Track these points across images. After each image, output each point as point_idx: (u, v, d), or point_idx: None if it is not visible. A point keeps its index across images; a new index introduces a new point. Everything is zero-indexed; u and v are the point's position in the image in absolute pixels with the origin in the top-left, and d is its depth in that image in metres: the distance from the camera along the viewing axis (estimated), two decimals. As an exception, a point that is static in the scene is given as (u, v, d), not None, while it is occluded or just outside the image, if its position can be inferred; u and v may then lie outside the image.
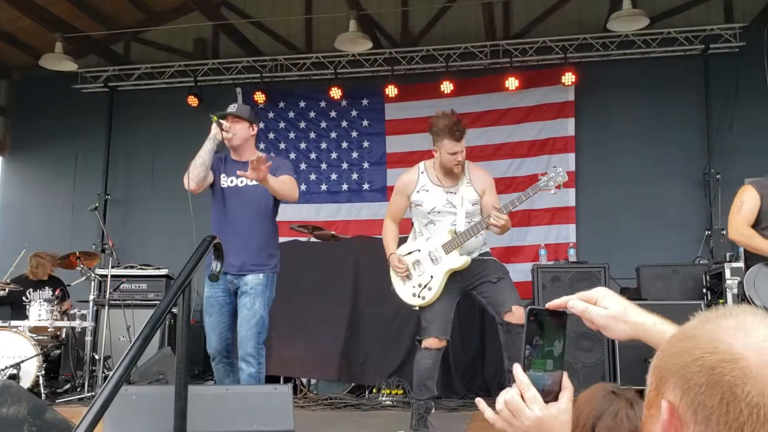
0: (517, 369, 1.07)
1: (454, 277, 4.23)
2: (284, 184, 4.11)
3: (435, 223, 4.26)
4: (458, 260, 4.17)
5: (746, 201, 4.12)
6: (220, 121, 4.13)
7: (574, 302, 1.22)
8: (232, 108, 4.26)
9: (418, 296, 4.21)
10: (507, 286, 4.24)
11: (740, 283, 4.20)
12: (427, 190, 4.26)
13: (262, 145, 9.26)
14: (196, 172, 4.03)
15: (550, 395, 1.07)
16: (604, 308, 1.21)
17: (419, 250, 4.27)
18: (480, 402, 1.16)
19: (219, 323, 4.13)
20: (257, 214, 4.17)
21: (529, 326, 1.09)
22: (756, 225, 4.10)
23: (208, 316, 4.16)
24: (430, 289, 4.18)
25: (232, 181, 4.21)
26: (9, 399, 2.42)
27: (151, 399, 2.44)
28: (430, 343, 4.20)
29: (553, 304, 1.17)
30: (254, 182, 4.05)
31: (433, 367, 4.27)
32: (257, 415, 2.46)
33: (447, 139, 4.10)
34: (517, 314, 4.06)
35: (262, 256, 4.15)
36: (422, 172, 4.33)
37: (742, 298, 4.11)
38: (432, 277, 4.18)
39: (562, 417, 1.06)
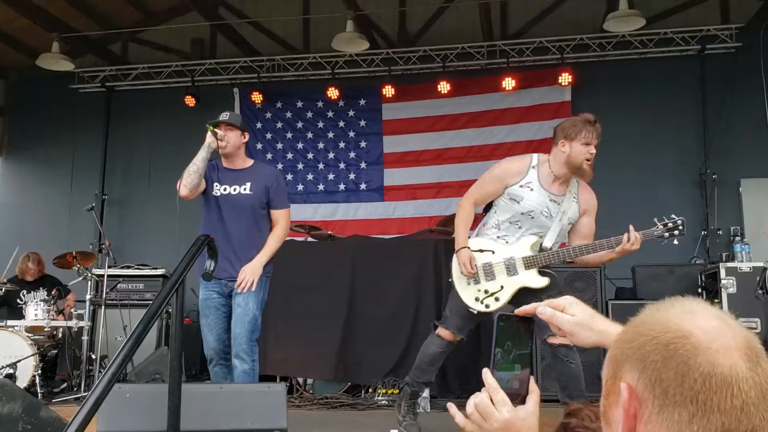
0: (486, 373, 1.11)
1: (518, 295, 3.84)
2: (277, 242, 4.24)
3: (521, 226, 3.82)
4: (537, 280, 3.78)
5: None
6: (215, 130, 4.19)
7: (543, 308, 1.28)
8: (224, 116, 4.29)
9: (482, 302, 3.84)
10: None
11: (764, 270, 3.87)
12: (532, 189, 3.78)
13: (259, 145, 9.29)
14: (190, 179, 4.10)
15: (517, 398, 1.10)
16: (571, 315, 1.28)
17: (493, 252, 3.84)
18: (451, 406, 1.20)
19: (216, 324, 4.18)
20: (250, 221, 4.23)
21: (498, 331, 1.12)
22: None
23: (205, 318, 4.20)
24: (497, 299, 3.81)
25: (225, 189, 4.26)
26: (4, 397, 2.43)
27: (145, 397, 2.45)
28: (444, 333, 4.01)
29: (522, 310, 1.21)
30: (247, 190, 4.21)
31: (440, 356, 4.10)
32: (251, 414, 2.47)
33: (585, 130, 3.68)
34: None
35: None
36: (533, 167, 3.83)
37: (761, 286, 3.81)
38: (502, 287, 3.80)
39: (529, 419, 1.11)
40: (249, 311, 4.09)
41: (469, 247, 3.86)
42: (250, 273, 4.06)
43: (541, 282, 3.79)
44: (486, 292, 3.83)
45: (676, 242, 3.67)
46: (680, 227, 3.64)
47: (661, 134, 8.35)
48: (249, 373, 4.02)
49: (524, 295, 3.79)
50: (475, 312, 3.90)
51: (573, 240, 3.91)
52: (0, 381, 2.46)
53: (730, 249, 7.33)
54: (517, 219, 3.82)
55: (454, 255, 3.92)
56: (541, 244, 3.81)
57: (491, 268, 3.82)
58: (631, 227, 3.61)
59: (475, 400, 1.11)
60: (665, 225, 3.67)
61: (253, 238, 4.23)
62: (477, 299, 3.85)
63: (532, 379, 1.13)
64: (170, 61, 9.48)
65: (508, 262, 3.80)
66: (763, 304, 3.85)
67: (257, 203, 4.24)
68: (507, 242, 3.84)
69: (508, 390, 1.10)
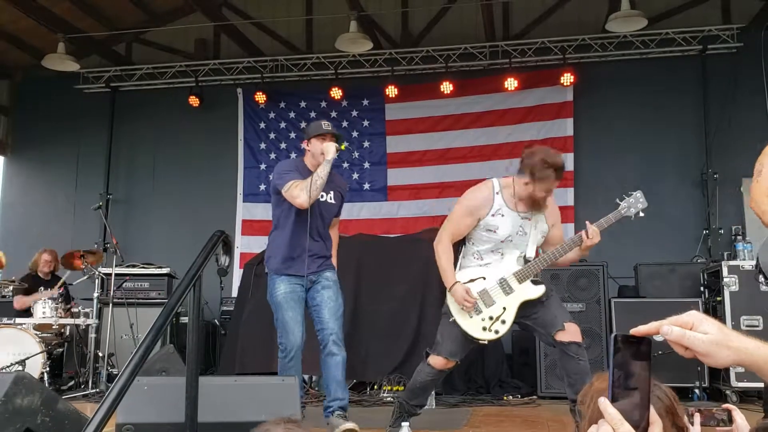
0: (606, 403, 1.00)
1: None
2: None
3: (503, 252, 3.89)
4: (535, 290, 3.85)
5: (765, 165, 3.57)
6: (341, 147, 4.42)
7: (669, 327, 1.11)
8: (332, 127, 4.49)
9: (490, 330, 3.84)
10: (556, 303, 3.92)
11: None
12: (503, 215, 3.86)
13: (262, 145, 9.38)
14: (318, 193, 4.26)
15: (637, 430, 0.99)
16: (704, 333, 1.11)
17: (484, 278, 3.87)
18: None
19: (301, 318, 4.31)
20: (328, 225, 4.55)
21: (615, 355, 1.01)
22: None
23: (291, 310, 4.27)
24: (503, 322, 3.84)
25: (322, 196, 4.42)
26: (23, 390, 2.48)
27: (163, 389, 2.50)
28: (436, 362, 3.92)
29: (641, 330, 1.07)
30: (331, 199, 4.53)
31: (431, 384, 4.10)
32: (265, 406, 2.52)
33: (550, 180, 3.77)
34: (570, 330, 3.74)
35: (331, 257, 4.56)
36: (497, 193, 3.90)
37: (759, 269, 3.76)
38: (505, 309, 3.83)
39: None
40: (341, 305, 4.38)
41: (459, 282, 3.87)
42: None
43: (539, 291, 3.86)
44: (491, 318, 3.84)
45: (642, 215, 3.84)
46: (641, 199, 3.83)
47: (663, 134, 8.41)
48: (345, 360, 4.28)
49: (524, 308, 3.87)
50: (486, 342, 3.91)
51: (547, 249, 3.99)
52: (19, 374, 2.51)
53: (732, 248, 7.38)
54: (498, 247, 3.89)
55: (448, 293, 3.91)
56: (524, 257, 3.89)
57: (488, 294, 3.85)
58: (587, 223, 3.80)
59: None
60: (628, 202, 3.85)
61: (330, 240, 4.59)
62: (485, 328, 3.85)
63: (652, 409, 1.02)
64: (174, 61, 9.53)
65: (502, 282, 3.85)
66: (765, 300, 3.77)
67: (336, 211, 4.61)
68: (489, 265, 3.90)
69: (629, 421, 0.98)
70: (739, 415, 2.03)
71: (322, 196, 4.41)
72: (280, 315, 4.27)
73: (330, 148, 4.23)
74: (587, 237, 3.72)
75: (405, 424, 3.43)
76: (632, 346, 1.01)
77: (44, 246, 7.70)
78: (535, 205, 3.86)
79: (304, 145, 4.52)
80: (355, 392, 6.22)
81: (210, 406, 2.41)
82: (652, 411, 1.02)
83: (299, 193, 4.20)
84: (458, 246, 4.03)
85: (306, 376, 6.47)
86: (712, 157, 8.14)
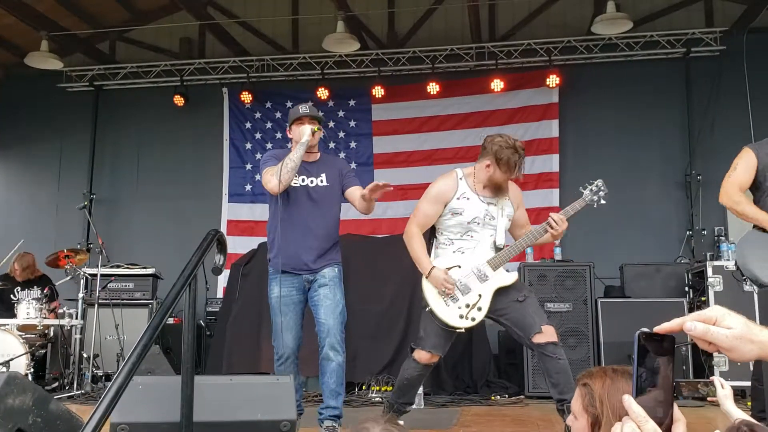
0: (630, 401, 1.01)
1: None
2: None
3: (472, 235, 3.94)
4: (508, 277, 3.93)
5: (740, 163, 3.78)
6: (317, 129, 4.18)
7: (692, 323, 1.09)
8: (311, 110, 4.27)
9: (467, 318, 3.89)
10: (533, 304, 3.95)
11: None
12: (468, 198, 3.94)
13: (248, 145, 9.33)
14: (289, 176, 4.05)
15: (661, 427, 1.00)
16: (728, 328, 1.10)
17: (459, 266, 3.91)
18: None
19: (295, 323, 4.15)
20: (329, 213, 4.27)
21: (639, 352, 1.01)
22: (755, 189, 3.81)
23: (283, 316, 4.11)
24: (479, 309, 3.89)
25: (303, 180, 4.22)
26: (15, 389, 2.45)
27: (158, 389, 2.48)
28: (421, 356, 3.95)
29: (665, 327, 1.06)
30: (324, 182, 4.24)
31: (418, 379, 4.12)
32: (260, 405, 2.51)
33: (510, 165, 3.82)
34: (547, 332, 3.79)
35: (333, 251, 4.26)
36: (461, 179, 3.99)
37: (738, 269, 3.89)
38: (480, 296, 3.88)
39: None
40: (338, 303, 4.16)
41: (436, 266, 3.91)
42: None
43: (512, 277, 3.95)
44: (467, 306, 3.89)
45: (603, 202, 3.97)
46: (602, 187, 3.97)
47: (647, 136, 8.49)
48: (342, 365, 4.10)
49: (498, 295, 3.92)
50: (463, 330, 3.95)
51: (514, 231, 4.12)
52: (11, 373, 2.48)
53: (715, 249, 7.47)
54: (467, 229, 3.94)
55: (423, 281, 3.94)
56: (496, 245, 3.96)
57: (464, 282, 3.90)
58: (551, 213, 3.89)
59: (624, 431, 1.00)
60: (591, 190, 3.98)
61: (332, 230, 4.28)
62: (461, 316, 3.89)
63: (676, 406, 1.03)
64: (159, 60, 9.47)
65: (476, 269, 3.90)
66: (761, 297, 3.84)
67: (335, 194, 4.28)
68: (464, 253, 3.95)
69: (653, 418, 0.99)
70: (719, 384, 2.08)
71: (312, 182, 4.20)
72: (272, 318, 4.16)
73: (305, 131, 4.09)
74: (551, 228, 3.83)
75: (400, 422, 3.43)
76: (655, 343, 1.02)
77: (25, 247, 7.61)
78: (496, 189, 3.94)
79: (288, 134, 4.34)
80: (343, 393, 6.21)
81: (205, 405, 2.40)
82: (676, 408, 1.02)
83: (270, 178, 4.04)
84: (429, 239, 4.08)
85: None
86: (695, 158, 8.24)
